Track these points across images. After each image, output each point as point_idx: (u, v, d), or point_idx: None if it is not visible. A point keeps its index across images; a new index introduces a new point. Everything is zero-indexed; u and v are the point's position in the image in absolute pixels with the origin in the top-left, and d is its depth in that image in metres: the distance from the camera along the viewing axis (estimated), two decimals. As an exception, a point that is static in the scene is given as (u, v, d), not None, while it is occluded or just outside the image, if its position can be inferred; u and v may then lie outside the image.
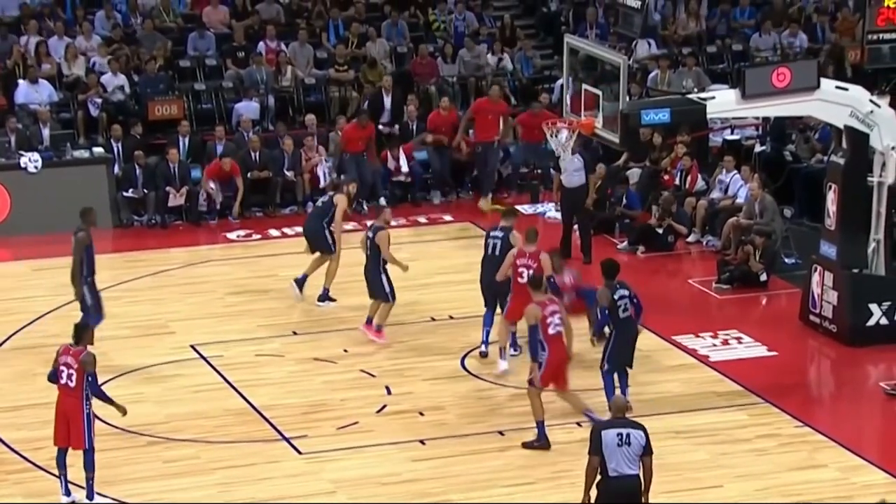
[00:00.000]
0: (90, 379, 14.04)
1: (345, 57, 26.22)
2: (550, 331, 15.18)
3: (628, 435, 12.18)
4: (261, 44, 26.30)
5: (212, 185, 23.14)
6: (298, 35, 26.46)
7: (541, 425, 15.18)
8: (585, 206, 21.62)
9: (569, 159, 20.74)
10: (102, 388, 14.33)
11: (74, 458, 14.18)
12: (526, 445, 15.20)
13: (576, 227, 21.39)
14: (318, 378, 17.17)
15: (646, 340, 18.03)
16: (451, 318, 18.91)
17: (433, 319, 18.92)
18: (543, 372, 15.14)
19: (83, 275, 17.50)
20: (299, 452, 15.28)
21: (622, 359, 15.79)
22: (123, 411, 14.30)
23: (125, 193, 23.39)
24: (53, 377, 14.22)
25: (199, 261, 20.42)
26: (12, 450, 15.32)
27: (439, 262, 21.44)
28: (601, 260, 16.28)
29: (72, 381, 13.97)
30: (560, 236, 21.32)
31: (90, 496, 14.05)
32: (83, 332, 14.32)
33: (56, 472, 14.29)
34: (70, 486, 14.13)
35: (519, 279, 16.78)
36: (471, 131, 24.16)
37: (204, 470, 14.92)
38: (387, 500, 14.27)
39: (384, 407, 16.31)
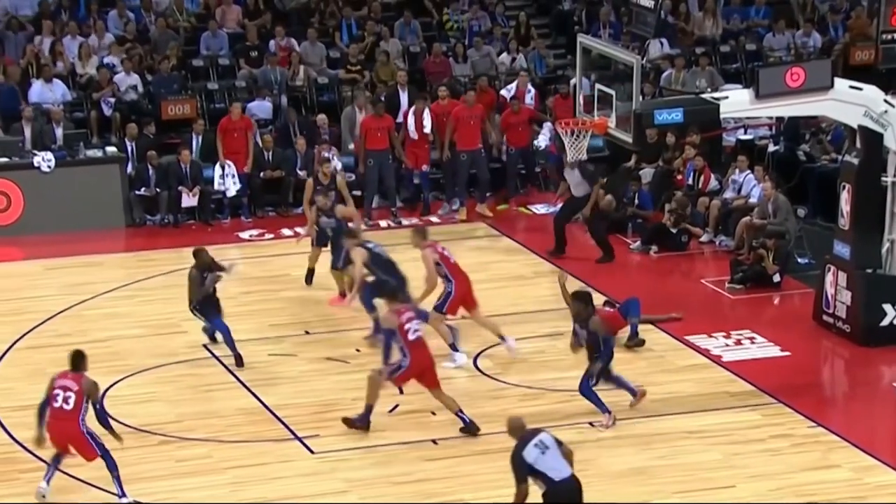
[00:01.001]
0: (98, 407, 14.01)
1: (357, 56, 26.22)
2: (410, 336, 15.35)
3: (541, 441, 12.33)
4: (272, 42, 26.30)
5: (229, 163, 23.19)
6: (308, 34, 26.45)
7: (369, 410, 15.39)
8: (584, 213, 21.49)
9: (568, 173, 20.89)
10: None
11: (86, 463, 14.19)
12: (346, 421, 15.40)
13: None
14: (331, 377, 17.16)
15: (658, 340, 18.07)
16: (464, 317, 18.84)
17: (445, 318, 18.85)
18: (401, 375, 15.37)
19: (191, 302, 17.45)
20: (311, 452, 15.27)
21: (606, 374, 15.79)
22: (120, 440, 14.27)
23: (138, 193, 23.42)
24: (44, 407, 13.99)
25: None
26: (25, 448, 15.31)
27: (452, 262, 21.40)
28: (577, 293, 15.99)
29: (68, 403, 13.82)
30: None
31: (122, 494, 14.05)
32: (80, 360, 14.19)
33: (71, 472, 14.35)
34: (49, 480, 14.14)
35: (450, 261, 17.27)
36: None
37: (216, 469, 14.91)
38: (398, 500, 14.25)
39: (396, 406, 16.28)
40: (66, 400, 13.84)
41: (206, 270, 17.29)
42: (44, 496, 14.13)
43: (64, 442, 14.00)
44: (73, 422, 13.88)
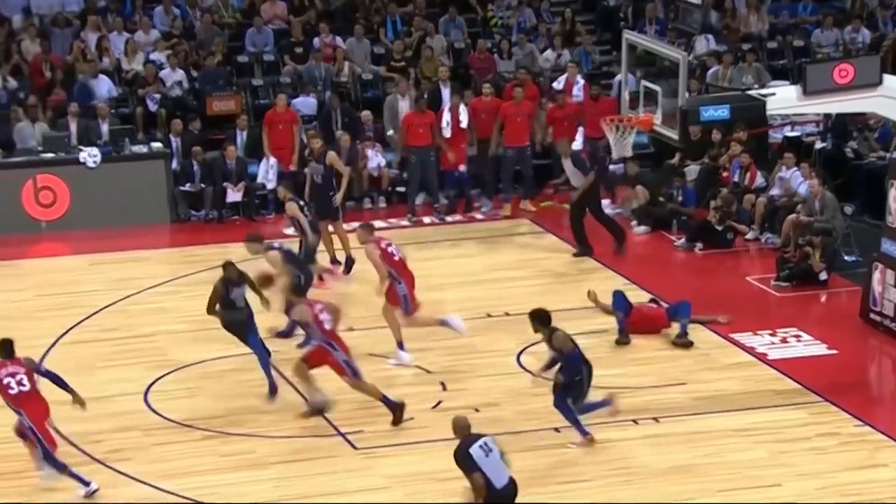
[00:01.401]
0: (45, 372, 14.24)
1: (403, 53, 26.21)
2: (326, 326, 15.57)
3: (486, 443, 12.57)
4: (316, 40, 26.32)
5: (272, 161, 23.24)
6: (354, 31, 26.48)
7: (384, 399, 15.56)
8: (572, 199, 21.33)
9: (564, 163, 20.96)
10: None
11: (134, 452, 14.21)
12: (393, 423, 15.50)
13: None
14: (374, 374, 17.11)
15: (704, 338, 17.97)
16: (507, 314, 18.83)
17: (489, 316, 18.85)
18: (355, 368, 15.60)
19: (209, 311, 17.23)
20: (354, 448, 15.27)
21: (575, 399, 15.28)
22: (79, 401, 14.42)
23: (182, 188, 23.51)
24: None
25: (257, 256, 20.44)
26: (70, 443, 15.38)
27: (495, 259, 21.38)
28: (532, 311, 15.27)
29: (24, 385, 14.04)
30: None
31: (42, 471, 14.22)
32: (9, 346, 14.33)
33: (116, 466, 14.54)
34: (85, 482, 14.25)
35: (394, 258, 17.17)
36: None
37: (259, 464, 14.93)
38: (441, 497, 14.20)
39: (439, 403, 16.27)
40: (20, 383, 14.04)
41: (232, 285, 16.73)
42: (95, 491, 14.18)
43: (45, 419, 14.08)
44: (41, 398, 14.09)
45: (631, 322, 17.92)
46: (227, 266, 16.96)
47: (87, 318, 19.11)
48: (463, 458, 12.55)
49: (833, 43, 27.20)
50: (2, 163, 23.07)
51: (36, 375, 14.24)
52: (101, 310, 19.40)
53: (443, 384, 16.80)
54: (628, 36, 18.86)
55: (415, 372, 17.15)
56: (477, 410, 16.00)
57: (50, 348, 18.03)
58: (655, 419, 15.70)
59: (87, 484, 14.18)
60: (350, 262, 20.15)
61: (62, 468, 14.15)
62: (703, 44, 26.88)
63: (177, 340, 17.98)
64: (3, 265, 21.46)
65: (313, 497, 14.27)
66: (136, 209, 22.99)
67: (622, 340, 17.73)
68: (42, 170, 23.03)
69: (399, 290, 17.21)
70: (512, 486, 12.67)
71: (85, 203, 22.94)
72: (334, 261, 20.49)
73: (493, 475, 12.53)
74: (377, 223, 23.23)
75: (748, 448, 15.08)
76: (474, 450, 12.56)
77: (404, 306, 17.25)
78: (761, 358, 17.51)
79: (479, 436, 12.75)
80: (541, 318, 15.08)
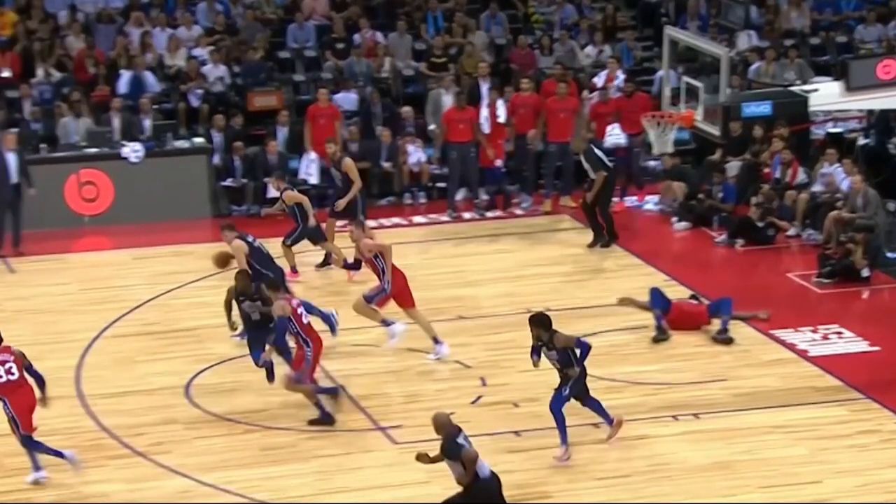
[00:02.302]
0: (30, 367, 14.24)
1: (443, 49, 26.22)
2: (304, 321, 15.59)
3: (466, 437, 12.90)
4: (357, 35, 26.37)
5: (313, 155, 23.30)
6: (397, 26, 26.54)
7: (319, 405, 15.54)
8: (587, 197, 21.36)
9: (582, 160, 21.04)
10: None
11: (174, 444, 14.28)
12: (312, 422, 15.51)
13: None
14: (414, 368, 17.20)
15: (744, 334, 17.93)
16: (549, 309, 18.80)
17: (529, 311, 18.80)
18: (311, 367, 15.58)
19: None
20: (394, 442, 15.32)
21: (583, 395, 15.22)
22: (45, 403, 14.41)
23: (224, 183, 23.62)
24: None
25: (298, 250, 20.56)
26: (113, 436, 15.50)
27: (535, 255, 21.38)
28: (532, 317, 15.09)
29: (13, 374, 14.08)
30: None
31: (36, 468, 14.35)
32: None
33: (158, 459, 14.63)
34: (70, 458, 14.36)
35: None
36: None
37: (300, 458, 15.00)
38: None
39: (479, 398, 16.29)
40: (9, 371, 14.09)
41: (244, 297, 16.59)
42: (46, 479, 14.29)
43: (31, 409, 14.16)
44: (28, 387, 14.16)
45: (671, 319, 17.90)
46: (238, 276, 16.82)
47: (129, 311, 19.24)
48: (452, 448, 12.79)
49: (876, 39, 27.06)
50: (46, 157, 23.24)
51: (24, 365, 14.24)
52: (143, 304, 19.54)
53: (482, 379, 16.82)
54: (670, 32, 18.90)
55: (454, 367, 17.18)
56: (516, 405, 16.03)
57: (93, 342, 18.16)
58: (695, 415, 15.69)
59: (38, 469, 14.26)
60: (358, 264, 20.04)
61: (39, 447, 14.20)
62: (745, 40, 26.79)
63: (218, 334, 18.04)
64: (46, 259, 21.63)
65: (354, 490, 14.33)
66: (177, 204, 23.14)
67: (660, 338, 17.70)
68: (85, 165, 23.20)
69: (381, 284, 17.15)
70: (495, 478, 12.85)
71: (127, 198, 23.08)
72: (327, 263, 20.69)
73: (478, 466, 12.72)
74: (418, 218, 23.46)
75: (788, 445, 15.05)
76: (460, 439, 12.89)
77: (372, 296, 17.21)
78: (802, 354, 17.45)
79: (460, 428, 13.01)
80: (542, 323, 14.88)
